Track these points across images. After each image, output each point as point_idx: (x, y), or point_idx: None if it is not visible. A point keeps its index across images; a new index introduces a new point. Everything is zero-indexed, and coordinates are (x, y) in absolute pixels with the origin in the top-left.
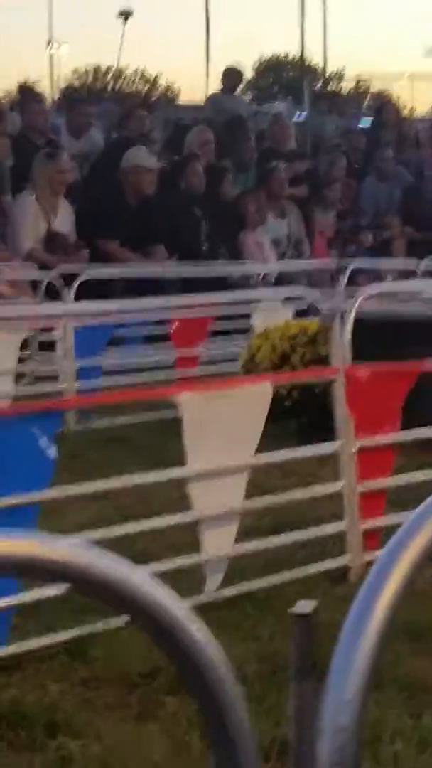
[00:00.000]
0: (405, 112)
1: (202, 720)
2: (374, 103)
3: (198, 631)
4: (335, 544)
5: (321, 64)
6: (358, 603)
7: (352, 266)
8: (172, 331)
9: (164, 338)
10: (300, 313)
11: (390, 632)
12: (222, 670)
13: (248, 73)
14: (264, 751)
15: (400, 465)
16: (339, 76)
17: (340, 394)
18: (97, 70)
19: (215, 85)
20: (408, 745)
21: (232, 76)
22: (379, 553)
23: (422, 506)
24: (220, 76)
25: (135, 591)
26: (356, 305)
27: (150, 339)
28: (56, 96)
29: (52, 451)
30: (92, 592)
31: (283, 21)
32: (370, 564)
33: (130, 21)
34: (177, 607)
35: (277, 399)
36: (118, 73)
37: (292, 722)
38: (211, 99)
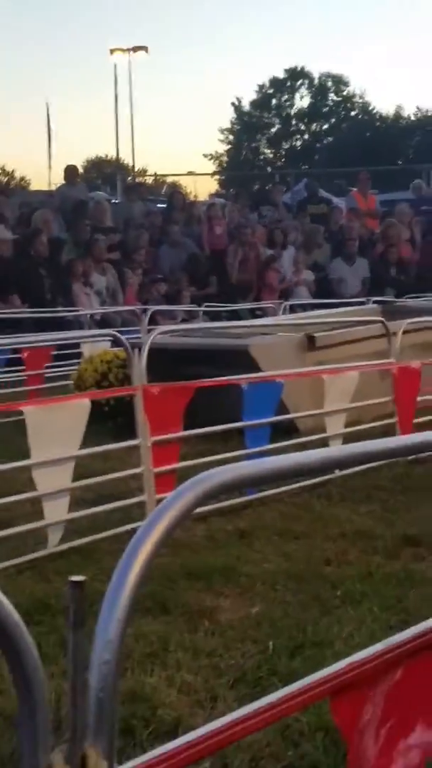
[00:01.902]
0: (189, 198)
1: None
2: (167, 192)
3: None
4: (138, 510)
5: (131, 163)
6: (118, 569)
7: (151, 310)
8: (24, 357)
9: (19, 362)
10: (114, 344)
11: (143, 586)
12: (11, 619)
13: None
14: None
15: (185, 453)
16: (143, 172)
17: (139, 405)
18: None
19: (55, 177)
20: (186, 653)
21: (72, 171)
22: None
23: (178, 488)
24: (63, 171)
25: None
26: (150, 339)
27: (7, 363)
28: None
29: None
30: None
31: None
32: None
33: None
34: None
35: (98, 406)
36: None
37: (69, 662)
38: (60, 189)
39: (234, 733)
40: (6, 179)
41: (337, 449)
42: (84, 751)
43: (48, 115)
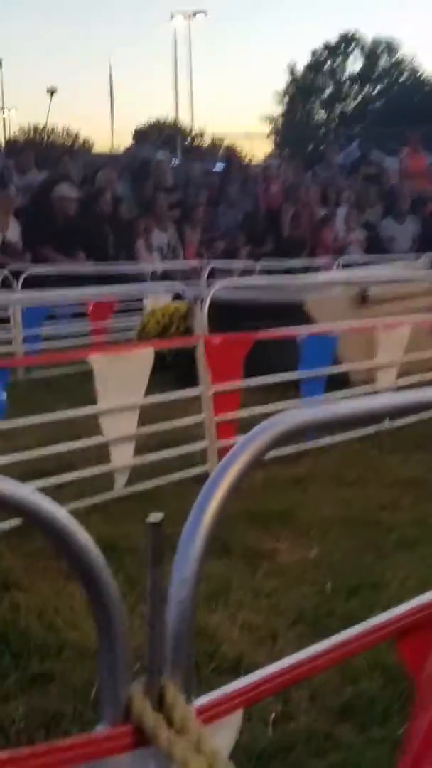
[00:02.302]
0: (246, 160)
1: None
2: (225, 154)
3: (67, 521)
4: (201, 457)
5: (189, 125)
6: (194, 510)
7: (210, 266)
8: (89, 310)
9: (83, 315)
10: (176, 297)
11: (220, 524)
12: (90, 549)
13: None
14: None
15: (244, 403)
16: (201, 134)
17: (200, 355)
18: (36, 128)
19: (118, 139)
20: (247, 593)
21: (140, 133)
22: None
23: (250, 432)
24: (132, 133)
25: (25, 502)
26: (211, 293)
27: (74, 316)
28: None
29: (4, 395)
30: None
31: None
32: None
33: (55, 95)
34: (55, 510)
35: (160, 357)
36: (51, 130)
37: (147, 599)
38: (129, 149)
39: (301, 672)
40: (71, 141)
41: (403, 395)
42: (162, 684)
43: (111, 79)
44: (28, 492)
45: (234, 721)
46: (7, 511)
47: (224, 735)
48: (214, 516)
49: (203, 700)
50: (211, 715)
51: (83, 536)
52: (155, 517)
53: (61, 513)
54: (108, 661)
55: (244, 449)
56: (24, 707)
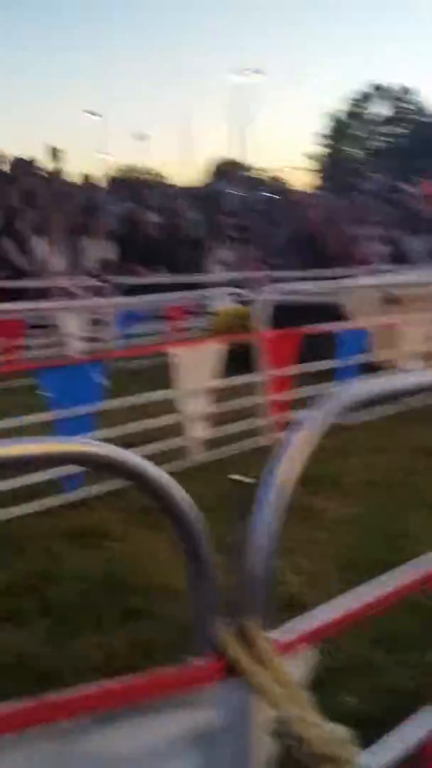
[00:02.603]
0: (292, 190)
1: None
2: (277, 184)
3: (169, 483)
4: (259, 430)
5: (247, 161)
6: (272, 467)
7: (264, 276)
8: (168, 311)
9: (163, 317)
10: (240, 303)
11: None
12: (186, 505)
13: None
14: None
15: (296, 384)
16: (257, 169)
17: (260, 347)
18: (128, 167)
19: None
20: (302, 543)
21: (213, 169)
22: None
23: (325, 398)
24: (205, 168)
25: (131, 464)
26: (268, 297)
27: (156, 317)
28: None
29: (103, 381)
30: (106, 470)
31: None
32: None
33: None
34: (156, 471)
35: (231, 350)
36: (139, 169)
37: (233, 547)
38: (203, 183)
39: (362, 610)
40: (154, 176)
41: None
42: (247, 623)
43: (185, 126)
44: (139, 460)
45: (308, 655)
46: (119, 475)
47: (299, 667)
48: (290, 473)
49: (280, 635)
50: (287, 648)
51: (181, 493)
52: (243, 477)
53: (163, 476)
54: (200, 602)
55: (316, 415)
56: (123, 639)
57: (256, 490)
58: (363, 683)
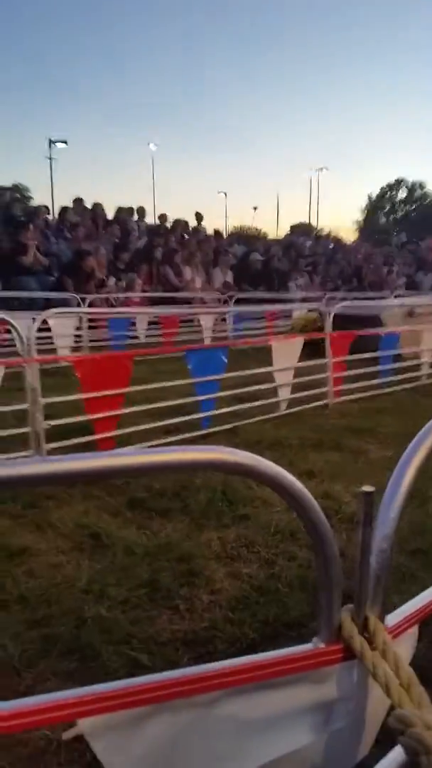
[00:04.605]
0: (345, 242)
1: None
2: (333, 239)
3: (301, 490)
4: (323, 396)
5: (315, 224)
6: (393, 477)
7: (326, 296)
8: (266, 315)
9: (262, 318)
10: (311, 311)
11: (413, 491)
12: (315, 509)
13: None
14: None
15: (350, 367)
16: (322, 229)
17: (327, 342)
18: (242, 227)
19: (281, 230)
20: (354, 474)
21: (294, 227)
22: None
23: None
24: (289, 228)
25: (271, 473)
26: (335, 309)
27: (257, 318)
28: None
29: (225, 359)
30: (248, 476)
31: (303, 206)
32: (336, 404)
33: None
34: (290, 479)
35: (307, 342)
36: (250, 227)
37: (358, 549)
38: (288, 237)
39: None
40: (258, 232)
41: None
42: (366, 613)
43: (278, 202)
44: (277, 468)
45: (412, 635)
46: (259, 480)
47: (406, 646)
48: (409, 483)
49: (391, 621)
50: (397, 633)
51: (310, 498)
52: (368, 487)
53: (296, 483)
54: (325, 593)
55: (430, 432)
56: (233, 534)
57: (379, 499)
58: (403, 587)
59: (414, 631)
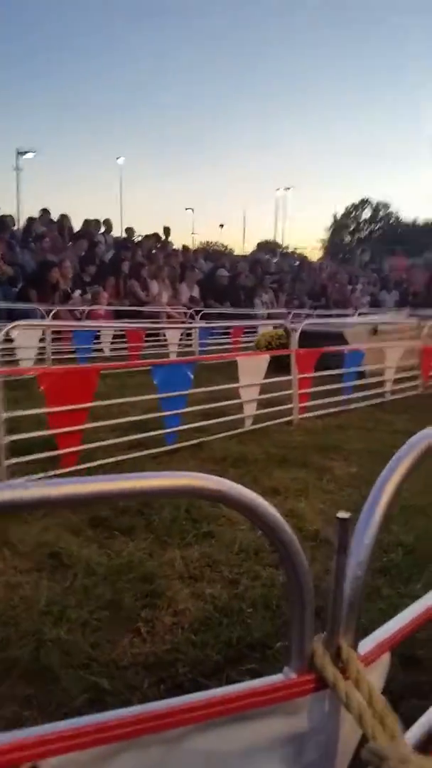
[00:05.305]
0: (310, 260)
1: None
2: (299, 257)
3: (275, 517)
4: (288, 412)
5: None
6: (367, 504)
7: (292, 312)
8: (231, 331)
9: (227, 334)
10: (276, 327)
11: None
12: (290, 538)
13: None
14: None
15: (315, 383)
16: (287, 246)
17: (292, 358)
18: (208, 242)
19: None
20: (318, 491)
21: (260, 244)
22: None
23: (413, 439)
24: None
25: (245, 499)
26: (301, 326)
27: (223, 334)
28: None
29: (191, 375)
30: (221, 502)
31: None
32: (301, 420)
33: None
34: (265, 505)
35: (273, 359)
36: (216, 243)
37: (332, 576)
38: (254, 253)
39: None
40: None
41: None
42: (339, 642)
43: (244, 219)
44: (253, 495)
45: (385, 662)
46: (233, 507)
47: (379, 674)
48: (383, 509)
49: (363, 648)
50: (369, 660)
51: (285, 527)
52: (343, 514)
53: (271, 510)
54: (296, 623)
55: (405, 458)
56: (197, 553)
57: (353, 525)
58: (372, 606)
59: (386, 658)
